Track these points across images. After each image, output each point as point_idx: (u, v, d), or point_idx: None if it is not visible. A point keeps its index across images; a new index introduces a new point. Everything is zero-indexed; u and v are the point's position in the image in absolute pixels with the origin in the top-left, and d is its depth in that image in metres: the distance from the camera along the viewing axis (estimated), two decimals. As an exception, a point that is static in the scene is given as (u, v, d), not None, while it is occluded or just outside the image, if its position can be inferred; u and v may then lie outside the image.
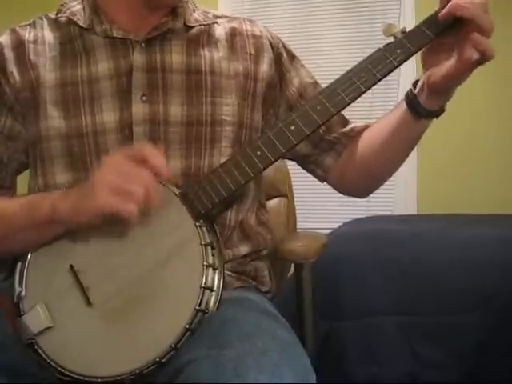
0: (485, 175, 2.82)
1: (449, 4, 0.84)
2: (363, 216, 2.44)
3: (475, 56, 0.82)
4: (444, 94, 0.90)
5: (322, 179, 1.10)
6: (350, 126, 1.07)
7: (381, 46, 0.89)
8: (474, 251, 1.84)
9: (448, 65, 0.85)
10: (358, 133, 1.05)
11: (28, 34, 0.99)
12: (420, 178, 2.91)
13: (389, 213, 2.89)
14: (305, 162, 1.09)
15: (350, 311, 1.81)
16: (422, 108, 0.91)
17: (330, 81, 0.90)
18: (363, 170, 1.04)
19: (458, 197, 2.80)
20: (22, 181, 1.05)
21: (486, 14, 0.82)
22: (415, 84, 0.92)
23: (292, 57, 1.08)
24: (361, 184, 1.08)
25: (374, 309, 1.80)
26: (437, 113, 0.92)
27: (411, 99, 0.92)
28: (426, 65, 0.90)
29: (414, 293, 1.78)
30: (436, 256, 1.85)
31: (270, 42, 1.05)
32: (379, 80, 0.88)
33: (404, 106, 0.93)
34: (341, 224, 2.34)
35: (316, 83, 1.08)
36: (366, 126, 1.05)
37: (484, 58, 0.83)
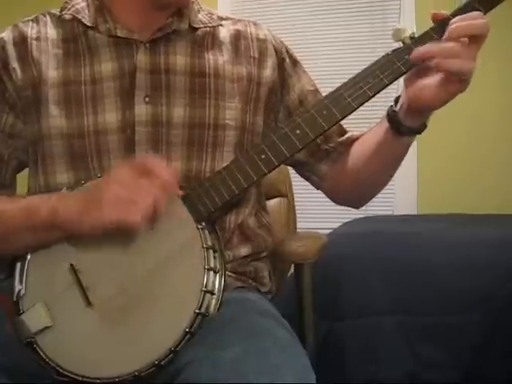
0: (485, 175, 2.81)
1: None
2: (363, 216, 2.44)
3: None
4: (427, 113, 0.89)
5: (316, 185, 1.10)
6: (346, 135, 1.06)
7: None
8: (474, 251, 1.83)
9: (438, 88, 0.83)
10: (353, 141, 1.05)
11: (31, 30, 0.98)
12: (420, 178, 2.91)
13: (389, 213, 2.89)
14: (300, 169, 1.10)
15: (350, 311, 1.81)
16: (404, 126, 0.90)
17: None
18: (353, 182, 1.04)
19: (458, 197, 2.80)
20: (21, 180, 1.05)
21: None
22: (396, 100, 0.91)
23: (294, 62, 1.07)
24: (352, 194, 1.08)
25: (373, 309, 1.79)
26: (419, 129, 0.91)
27: (392, 117, 0.91)
28: (410, 83, 0.87)
29: (414, 293, 1.78)
30: (436, 256, 1.84)
31: (274, 46, 1.04)
32: (386, 85, 0.87)
33: (386, 123, 0.92)
34: (341, 224, 2.33)
35: (317, 91, 1.07)
36: (361, 136, 1.04)
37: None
